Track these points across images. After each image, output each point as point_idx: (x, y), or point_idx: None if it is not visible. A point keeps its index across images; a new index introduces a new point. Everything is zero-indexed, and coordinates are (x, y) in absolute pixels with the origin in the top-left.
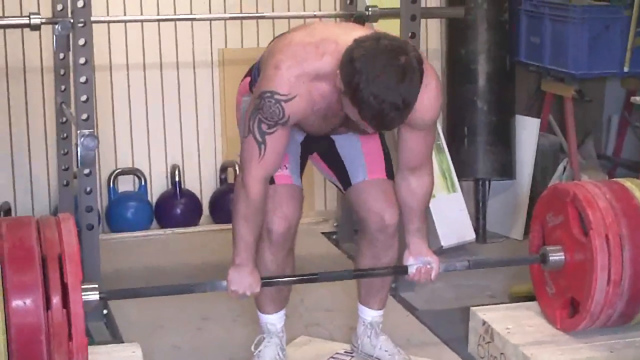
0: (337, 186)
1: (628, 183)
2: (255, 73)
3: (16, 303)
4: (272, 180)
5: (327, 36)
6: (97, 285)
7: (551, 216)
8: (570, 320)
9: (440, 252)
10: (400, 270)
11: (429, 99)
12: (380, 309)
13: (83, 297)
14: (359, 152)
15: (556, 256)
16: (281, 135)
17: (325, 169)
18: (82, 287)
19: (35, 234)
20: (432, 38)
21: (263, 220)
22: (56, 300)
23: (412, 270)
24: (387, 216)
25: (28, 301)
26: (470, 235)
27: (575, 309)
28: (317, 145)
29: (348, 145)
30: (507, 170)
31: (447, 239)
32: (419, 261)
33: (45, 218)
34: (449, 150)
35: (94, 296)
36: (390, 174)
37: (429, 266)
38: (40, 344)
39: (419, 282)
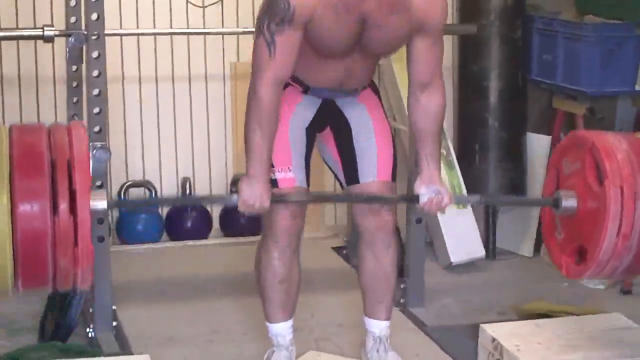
0: (337, 178)
1: None
2: None
3: (23, 207)
4: (275, 184)
5: None
6: (105, 193)
7: (567, 162)
8: (577, 267)
9: (449, 268)
10: (411, 199)
11: (440, 1)
12: (387, 320)
13: (91, 204)
14: (373, 150)
15: (569, 202)
16: (291, 36)
17: (334, 155)
18: (91, 193)
19: (46, 139)
20: (444, 54)
21: (276, 129)
22: (63, 205)
23: (423, 199)
24: (385, 213)
25: (35, 206)
26: (480, 251)
27: (582, 257)
28: (331, 120)
29: (363, 136)
30: (517, 187)
31: (456, 255)
32: (430, 190)
33: (56, 125)
34: (460, 166)
35: (102, 204)
36: (394, 176)
37: (439, 197)
38: (45, 249)
39: (429, 213)
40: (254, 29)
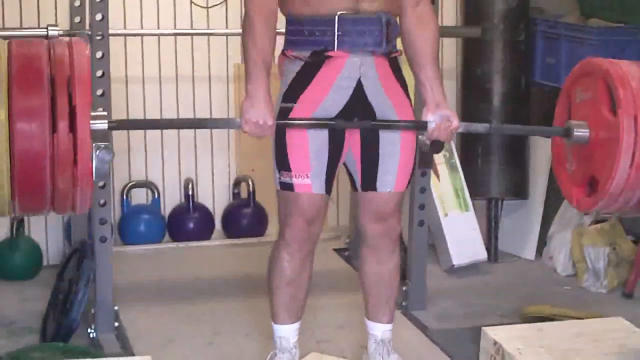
0: (352, 178)
1: None
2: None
3: (21, 125)
4: (292, 188)
5: None
6: (105, 113)
7: (580, 91)
8: (588, 199)
9: (451, 270)
10: (420, 125)
11: None
12: (389, 323)
13: (91, 124)
14: (396, 158)
15: (581, 131)
16: None
17: (355, 150)
18: (91, 114)
19: (46, 54)
20: (447, 57)
21: (274, 43)
22: (63, 124)
23: (431, 126)
24: (391, 219)
25: (33, 124)
26: (482, 254)
27: (594, 189)
28: (360, 112)
29: (389, 141)
30: (520, 190)
31: (459, 258)
32: (438, 116)
33: (57, 40)
34: (463, 169)
35: (103, 124)
36: (408, 183)
37: (448, 122)
38: (43, 168)
39: (439, 139)
40: None
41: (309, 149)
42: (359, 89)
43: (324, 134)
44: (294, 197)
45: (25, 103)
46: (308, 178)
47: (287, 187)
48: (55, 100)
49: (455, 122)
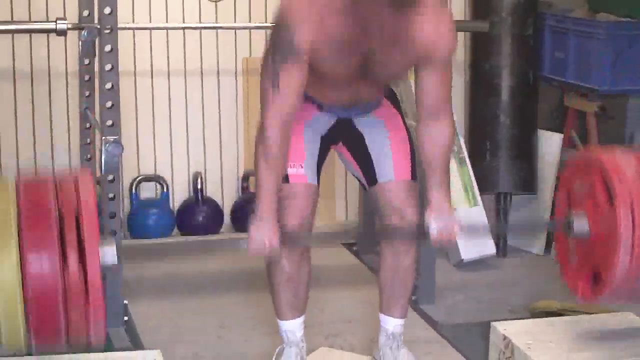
0: (360, 181)
1: None
2: None
3: (33, 264)
4: (286, 179)
5: None
6: (114, 244)
7: (578, 182)
8: (592, 291)
9: (460, 265)
10: (420, 232)
11: (445, 28)
12: (402, 318)
13: (101, 257)
14: (388, 150)
15: (581, 225)
16: (295, 70)
17: (351, 161)
18: (100, 245)
19: (53, 191)
20: (456, 51)
21: (283, 168)
22: (73, 258)
23: (433, 232)
24: (409, 214)
25: (45, 260)
26: (490, 249)
27: (597, 280)
28: (345, 136)
29: (377, 143)
30: (528, 184)
31: (467, 253)
32: (440, 220)
33: (63, 175)
34: (471, 164)
35: (112, 257)
36: (415, 175)
37: (449, 228)
38: (56, 303)
39: (441, 246)
40: (266, 24)
41: (304, 140)
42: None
43: (318, 132)
44: (289, 189)
45: (36, 243)
46: (302, 168)
47: (283, 179)
48: (64, 237)
49: (456, 227)
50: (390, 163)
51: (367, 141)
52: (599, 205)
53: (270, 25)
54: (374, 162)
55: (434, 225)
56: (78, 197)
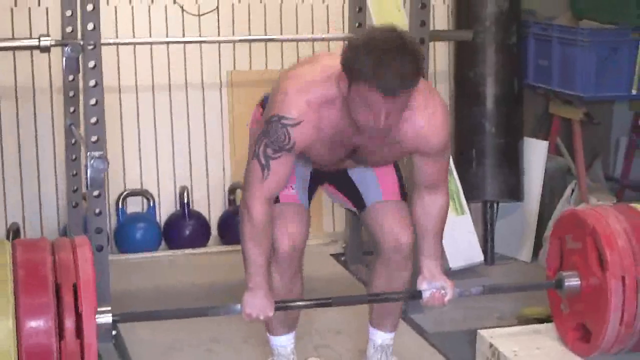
0: (351, 211)
1: None
2: (265, 104)
3: (29, 331)
4: (277, 199)
5: (333, 63)
6: (110, 309)
7: (570, 239)
8: (582, 345)
9: (448, 273)
10: (413, 295)
11: (436, 125)
12: (392, 332)
13: (98, 323)
14: (372, 175)
15: (572, 282)
16: (286, 161)
17: (339, 196)
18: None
19: (50, 259)
20: (440, 60)
21: (271, 242)
22: (69, 328)
23: (426, 295)
24: (402, 236)
25: (41, 330)
26: (478, 257)
27: (587, 334)
28: (329, 176)
29: (361, 171)
30: (515, 192)
31: (455, 261)
32: (433, 286)
33: (61, 242)
34: (458, 173)
35: (107, 319)
36: (404, 195)
37: (442, 292)
38: None
39: (433, 307)
40: (249, 37)
41: (295, 166)
42: None
43: (307, 170)
44: (280, 209)
45: (33, 313)
46: (293, 189)
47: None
48: (61, 305)
49: (450, 293)
50: (376, 186)
51: (349, 172)
52: (590, 266)
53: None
54: (359, 189)
55: (427, 287)
56: (76, 267)
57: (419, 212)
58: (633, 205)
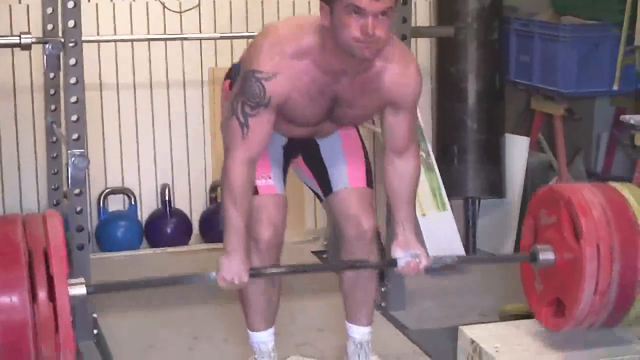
0: (316, 193)
1: (625, 191)
2: (234, 73)
3: (2, 299)
4: (255, 191)
5: (307, 19)
6: (83, 280)
7: (544, 214)
8: (555, 319)
9: (430, 270)
10: (388, 263)
11: (411, 75)
12: (368, 325)
13: (70, 290)
14: (342, 160)
15: (546, 256)
16: (264, 119)
17: (307, 173)
18: (69, 281)
19: (21, 229)
20: (422, 57)
21: (250, 206)
22: (42, 294)
23: (401, 263)
24: (365, 222)
25: (14, 296)
26: (460, 253)
27: (560, 309)
28: (302, 148)
29: (331, 152)
30: (496, 188)
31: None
32: (408, 254)
33: (31, 215)
34: (439, 169)
35: (81, 290)
36: (370, 182)
37: (417, 260)
38: (27, 338)
39: (407, 275)
40: (231, 34)
41: (268, 152)
42: None
43: (279, 146)
44: (259, 201)
45: (5, 278)
46: (270, 179)
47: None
48: (33, 272)
49: (425, 261)
50: (345, 171)
51: (321, 150)
52: (565, 238)
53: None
54: (328, 171)
55: (402, 255)
56: (46, 235)
57: (391, 178)
58: (608, 183)
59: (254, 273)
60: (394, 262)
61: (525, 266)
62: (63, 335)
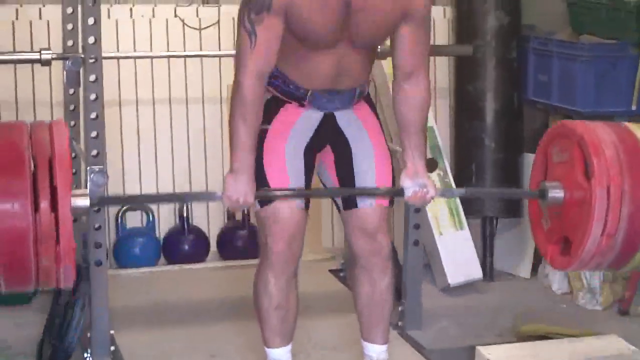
0: (335, 201)
1: (639, 132)
2: None
3: (4, 206)
4: (270, 202)
5: None
6: (87, 191)
7: (556, 151)
8: (561, 258)
9: (447, 290)
10: (396, 192)
11: None
12: (384, 344)
13: (73, 202)
14: (372, 175)
15: (555, 193)
16: (271, 25)
17: (332, 176)
18: (72, 192)
19: (27, 137)
20: (440, 75)
21: (259, 122)
22: (44, 203)
23: (408, 193)
24: (381, 238)
25: (16, 204)
26: (477, 273)
27: (567, 248)
28: (332, 139)
29: (363, 159)
30: (514, 208)
31: (454, 277)
32: (416, 184)
33: (38, 123)
34: (457, 187)
35: (84, 201)
36: (392, 201)
37: (424, 190)
38: (27, 248)
39: (415, 205)
40: None
41: (286, 164)
42: (329, 114)
43: (302, 143)
44: (274, 212)
45: (8, 184)
46: (288, 178)
47: (267, 202)
48: (36, 182)
49: (432, 191)
50: (372, 180)
51: (353, 153)
52: (575, 176)
53: None
54: (357, 183)
55: (410, 185)
56: (52, 144)
57: (401, 104)
58: (623, 122)
59: (259, 194)
60: (401, 192)
61: (534, 204)
62: (63, 246)
